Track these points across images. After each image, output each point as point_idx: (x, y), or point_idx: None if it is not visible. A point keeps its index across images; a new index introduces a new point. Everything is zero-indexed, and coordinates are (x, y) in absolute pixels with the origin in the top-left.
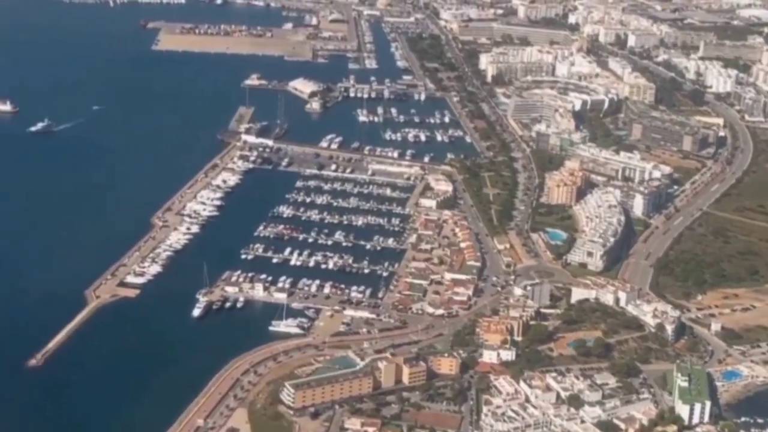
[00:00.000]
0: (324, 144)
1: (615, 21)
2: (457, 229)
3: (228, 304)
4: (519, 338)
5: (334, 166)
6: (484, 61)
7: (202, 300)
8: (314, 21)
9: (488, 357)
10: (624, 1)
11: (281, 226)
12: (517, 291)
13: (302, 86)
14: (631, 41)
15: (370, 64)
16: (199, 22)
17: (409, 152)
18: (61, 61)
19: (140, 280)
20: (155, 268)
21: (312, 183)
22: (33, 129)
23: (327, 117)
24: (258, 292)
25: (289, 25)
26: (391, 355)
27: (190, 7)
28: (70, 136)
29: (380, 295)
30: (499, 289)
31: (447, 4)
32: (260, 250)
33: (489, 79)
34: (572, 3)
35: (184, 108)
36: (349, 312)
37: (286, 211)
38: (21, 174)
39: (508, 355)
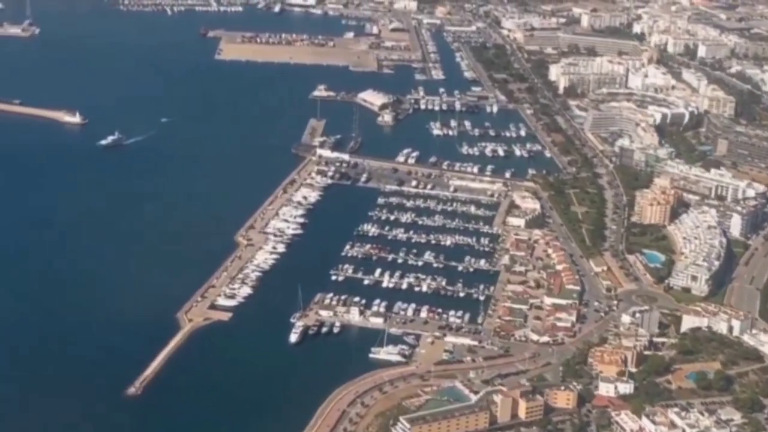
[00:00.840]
0: (401, 158)
1: (682, 30)
2: (550, 250)
3: (324, 329)
4: (633, 369)
5: (414, 182)
6: (555, 72)
7: (298, 325)
8: (375, 30)
9: (605, 390)
10: (687, 9)
11: (368, 246)
12: (626, 318)
13: (372, 98)
14: (701, 52)
15: (437, 74)
16: (258, 31)
17: (489, 167)
18: (126, 71)
19: (232, 303)
20: (246, 290)
21: (393, 200)
22: (103, 142)
23: (399, 130)
24: (354, 316)
25: (350, 35)
26: (502, 386)
27: (247, 15)
28: (140, 150)
29: (479, 320)
30: (603, 315)
31: (508, 13)
32: (350, 271)
33: (561, 90)
34: (634, 12)
35: (253, 120)
36: (451, 338)
37: (371, 229)
38: (96, 191)
39: (625, 387)
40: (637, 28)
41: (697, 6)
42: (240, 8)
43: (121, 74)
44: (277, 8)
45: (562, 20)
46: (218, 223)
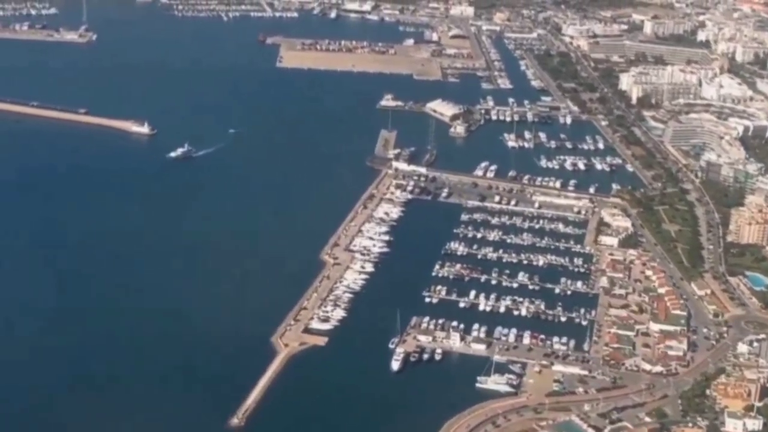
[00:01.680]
0: (479, 172)
1: (749, 38)
2: (649, 272)
3: (425, 356)
4: (758, 403)
5: (497, 198)
6: (626, 82)
7: (399, 351)
8: (435, 37)
9: (732, 426)
10: (750, 16)
11: (459, 266)
12: (742, 347)
13: (442, 108)
14: None
15: (504, 83)
16: (316, 37)
17: (571, 182)
18: (188, 79)
19: (326, 326)
20: (339, 313)
21: (477, 216)
22: (173, 155)
23: (472, 142)
24: (455, 342)
25: (410, 42)
26: (625, 423)
27: (303, 21)
28: (211, 163)
29: (586, 347)
30: (714, 343)
31: (569, 19)
32: (443, 293)
33: (634, 101)
34: (695, 18)
35: (322, 130)
36: (559, 367)
37: (458, 248)
38: (168, 205)
39: (754, 424)
40: (701, 36)
41: (759, 12)
42: (296, 14)
43: (183, 82)
44: (333, 14)
45: (624, 27)
46: (300, 240)
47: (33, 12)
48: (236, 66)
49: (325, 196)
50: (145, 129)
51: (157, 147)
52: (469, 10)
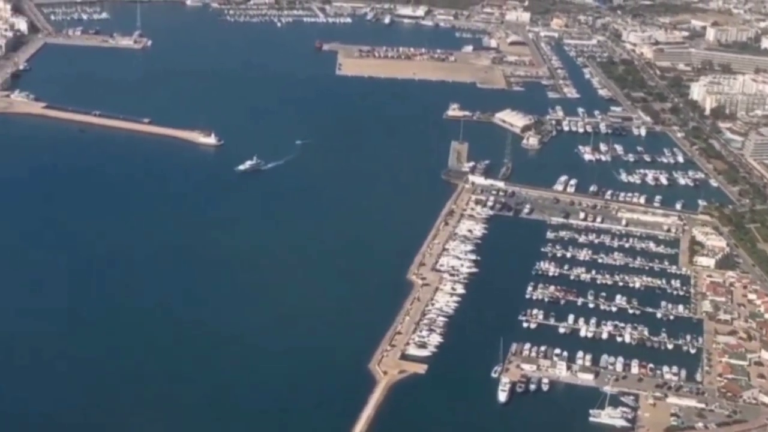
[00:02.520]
0: (559, 187)
1: None
2: (752, 296)
3: (532, 386)
4: None
5: (582, 215)
6: (697, 92)
7: (504, 381)
8: (493, 43)
9: None
10: None
11: (552, 288)
12: None
13: (511, 119)
14: None
15: (570, 92)
16: (371, 44)
17: (656, 198)
18: (248, 87)
19: (424, 353)
20: (436, 338)
21: (564, 234)
22: (241, 168)
23: (546, 154)
24: (561, 371)
25: (469, 48)
26: None
27: (357, 27)
28: (280, 176)
29: (698, 377)
30: None
31: (629, 26)
32: (540, 317)
33: (707, 112)
34: (756, 25)
35: (390, 141)
36: (673, 399)
37: (549, 268)
38: (242, 223)
39: None
40: (766, 43)
41: None
42: (349, 20)
43: (243, 89)
44: (387, 20)
45: (685, 34)
46: (382, 259)
47: (84, 17)
48: (295, 73)
49: (402, 211)
50: (212, 140)
51: (224, 159)
52: (525, 16)
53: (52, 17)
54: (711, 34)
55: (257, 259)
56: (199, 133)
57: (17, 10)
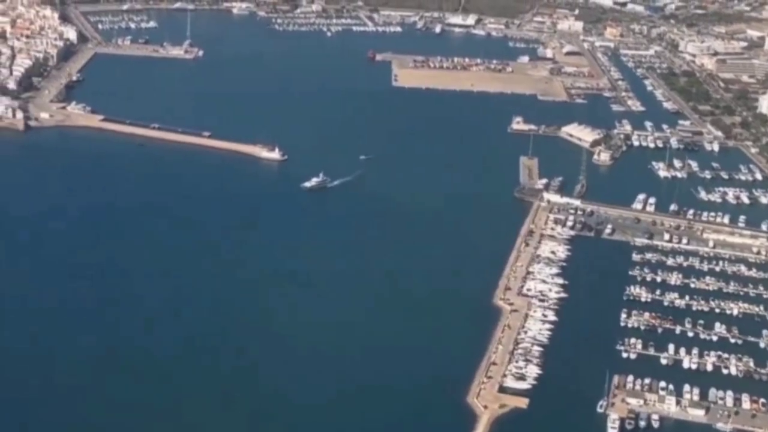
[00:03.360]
0: (637, 206)
1: None
2: None
3: (642, 422)
4: None
5: (666, 236)
6: (766, 105)
7: (613, 417)
8: (549, 53)
9: None
10: None
11: (647, 314)
12: None
13: (579, 133)
14: None
15: (635, 105)
16: (423, 53)
17: (741, 218)
18: (306, 98)
19: (523, 386)
20: (534, 370)
21: (650, 256)
22: (308, 185)
23: (619, 170)
24: (670, 406)
25: (524, 59)
26: None
27: (407, 36)
28: (348, 195)
29: None
30: None
31: (686, 36)
32: (639, 346)
33: None
34: None
35: (455, 156)
36: None
37: (641, 293)
38: (316, 248)
39: None
40: None
41: None
42: (399, 29)
43: (300, 101)
44: (437, 29)
45: (743, 44)
46: (463, 281)
47: (132, 26)
48: (350, 84)
49: (477, 231)
50: (275, 155)
51: (289, 175)
52: (578, 25)
53: (100, 26)
54: None
55: (334, 286)
56: (262, 147)
57: (64, 18)
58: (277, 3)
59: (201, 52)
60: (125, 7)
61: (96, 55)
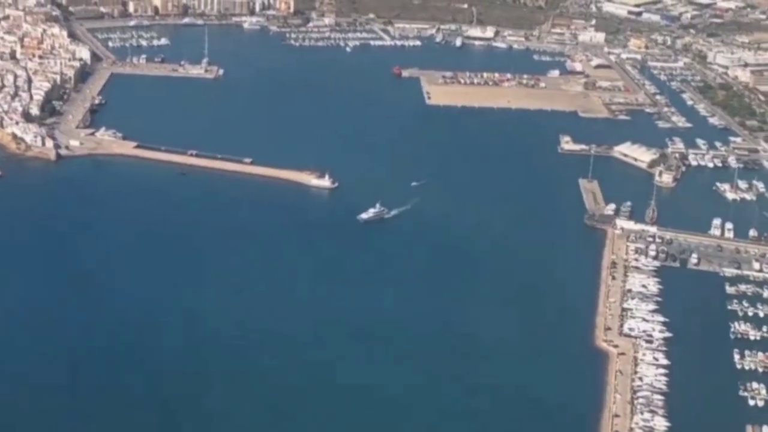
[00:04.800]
0: (715, 231)
1: None
2: None
3: None
4: None
5: (756, 265)
6: None
7: None
8: (578, 67)
9: None
10: None
11: (761, 355)
12: None
13: (634, 152)
14: None
15: (680, 121)
16: (451, 68)
17: None
18: (342, 120)
19: None
20: (661, 423)
21: (744, 288)
22: (365, 216)
23: (683, 193)
24: None
25: (555, 72)
26: None
27: (428, 50)
28: (407, 227)
29: None
30: None
31: (713, 46)
32: (764, 392)
33: None
34: None
35: (509, 180)
36: None
37: (748, 330)
38: (383, 290)
39: None
40: None
41: None
42: (418, 42)
43: (338, 122)
44: (458, 42)
45: None
46: (558, 322)
47: (144, 43)
48: (383, 103)
49: (556, 263)
50: (326, 182)
51: (343, 205)
52: (600, 37)
53: (110, 44)
54: None
55: (415, 339)
56: (311, 174)
57: (72, 36)
58: (288, 17)
59: (221, 71)
60: (132, 23)
61: (113, 76)
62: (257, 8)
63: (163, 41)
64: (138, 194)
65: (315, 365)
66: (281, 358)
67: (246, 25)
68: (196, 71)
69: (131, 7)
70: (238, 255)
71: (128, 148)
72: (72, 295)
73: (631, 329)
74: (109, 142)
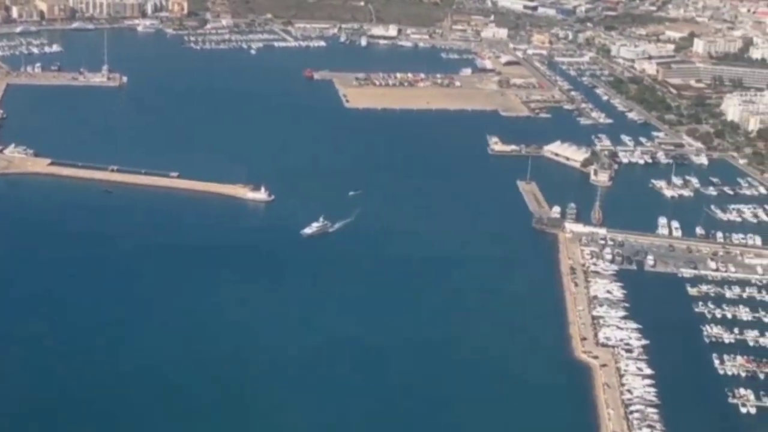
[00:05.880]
0: (663, 231)
1: None
2: None
3: None
4: None
5: (712, 264)
6: (732, 112)
7: None
8: (488, 65)
9: None
10: None
11: (740, 359)
12: None
13: (566, 152)
14: None
15: (600, 117)
16: (361, 69)
17: None
18: (262, 128)
19: None
20: None
21: (705, 288)
22: (308, 231)
23: (621, 192)
24: None
25: (467, 71)
26: None
27: (333, 50)
28: (353, 241)
29: None
30: None
31: (615, 40)
32: (752, 397)
33: (753, 134)
34: (731, 33)
35: (445, 185)
36: None
37: (722, 333)
38: (338, 316)
39: None
40: (756, 54)
41: None
42: (323, 42)
43: (257, 130)
44: (363, 42)
45: (671, 46)
46: (530, 333)
47: (35, 50)
48: (300, 108)
49: (510, 271)
50: (262, 195)
51: (282, 218)
52: (502, 32)
53: (0, 52)
54: (700, 46)
55: (386, 359)
56: (245, 186)
57: None
58: (183, 18)
59: (125, 79)
60: (18, 29)
61: (9, 87)
62: (149, 10)
63: (56, 48)
64: (63, 215)
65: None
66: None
67: (140, 28)
68: (97, 79)
69: (15, 12)
70: (179, 275)
71: (42, 165)
72: None
73: (607, 338)
74: (21, 160)
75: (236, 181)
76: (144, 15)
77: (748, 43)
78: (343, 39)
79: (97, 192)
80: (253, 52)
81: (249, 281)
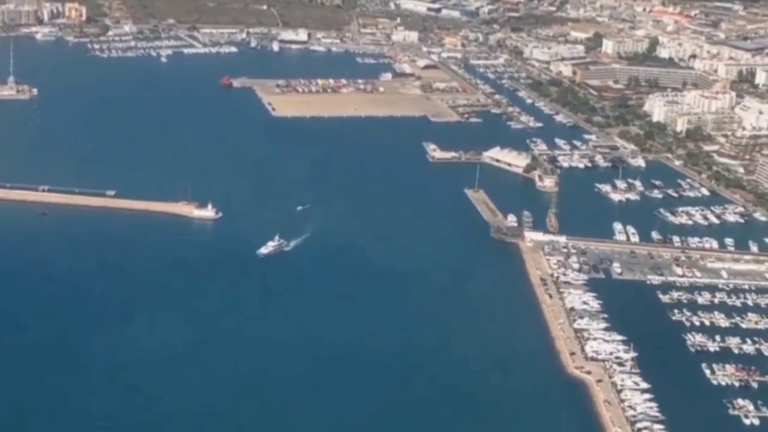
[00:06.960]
0: (620, 237)
1: (727, 56)
2: None
3: None
4: None
5: (678, 271)
6: (658, 113)
7: None
8: (407, 69)
9: None
10: (682, 29)
11: (730, 368)
12: None
13: (506, 157)
14: (762, 78)
15: (529, 121)
16: (278, 75)
17: (728, 241)
18: (191, 139)
19: None
20: None
21: (676, 295)
22: (264, 251)
23: (568, 197)
24: None
25: (387, 75)
26: None
27: (246, 56)
28: (311, 260)
29: None
30: None
31: (526, 41)
32: (751, 407)
33: (683, 134)
34: (634, 33)
35: (392, 195)
36: None
37: (706, 342)
38: (312, 341)
39: None
40: (664, 53)
41: (682, 24)
42: (234, 48)
43: (187, 142)
44: (275, 47)
45: (581, 46)
46: (517, 352)
47: None
48: (228, 118)
49: (480, 285)
50: (209, 213)
51: (233, 237)
52: (413, 36)
53: None
54: (609, 46)
55: (370, 383)
56: (189, 204)
57: None
58: (82, 25)
59: (35, 91)
60: None
61: None
62: (46, 17)
63: None
64: None
65: None
66: None
67: (39, 36)
68: (6, 92)
69: None
70: (127, 303)
71: None
72: None
73: (596, 352)
74: None
75: (179, 199)
76: (41, 22)
77: (654, 42)
78: (253, 44)
79: (31, 215)
80: (164, 59)
81: (206, 304)
